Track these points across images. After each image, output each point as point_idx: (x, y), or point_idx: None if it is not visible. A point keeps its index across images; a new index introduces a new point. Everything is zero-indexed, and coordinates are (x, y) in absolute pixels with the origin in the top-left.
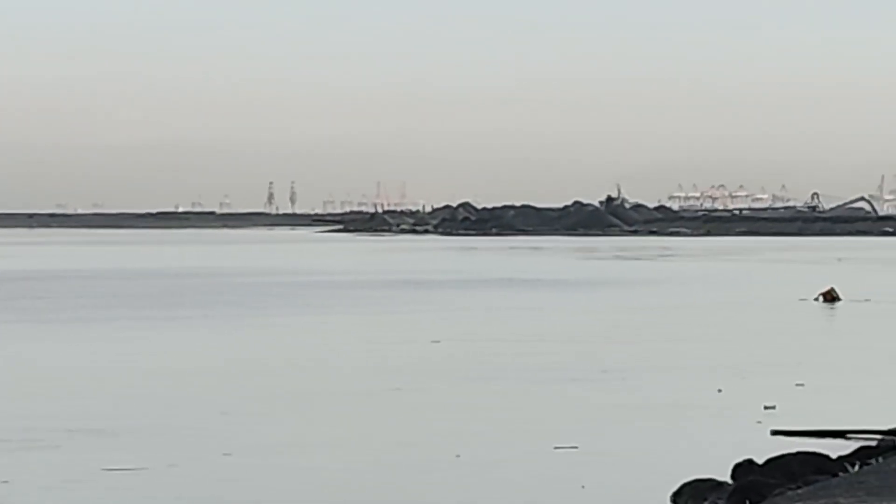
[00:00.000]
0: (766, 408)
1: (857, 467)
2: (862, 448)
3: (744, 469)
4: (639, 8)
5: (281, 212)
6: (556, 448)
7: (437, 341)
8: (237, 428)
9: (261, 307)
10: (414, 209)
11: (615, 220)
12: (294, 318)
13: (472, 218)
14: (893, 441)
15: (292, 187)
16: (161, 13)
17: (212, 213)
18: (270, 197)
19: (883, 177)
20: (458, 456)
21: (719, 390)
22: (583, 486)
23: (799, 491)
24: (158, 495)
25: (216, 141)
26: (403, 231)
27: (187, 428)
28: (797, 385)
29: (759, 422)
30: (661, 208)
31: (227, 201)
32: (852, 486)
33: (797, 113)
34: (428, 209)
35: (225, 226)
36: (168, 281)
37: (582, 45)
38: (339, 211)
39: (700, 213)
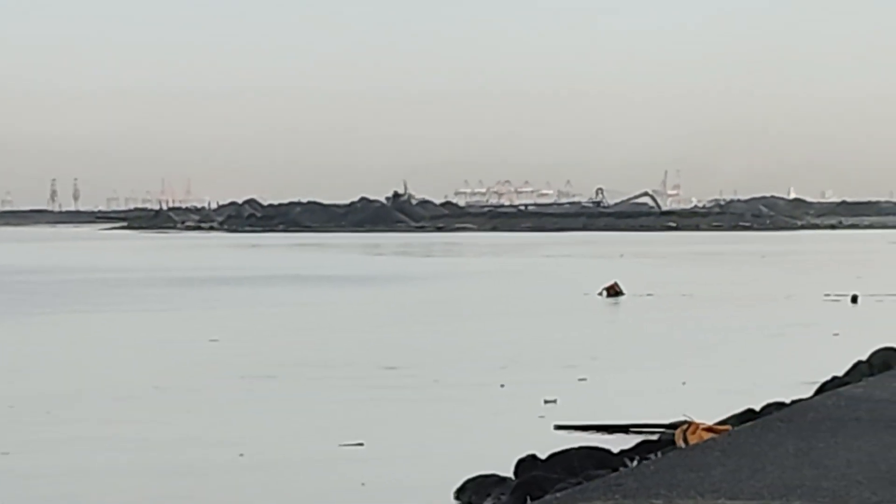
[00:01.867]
0: (546, 402)
1: (636, 462)
2: (643, 442)
3: (526, 464)
4: (417, 7)
5: (64, 209)
6: (341, 446)
7: (216, 340)
8: (11, 428)
9: (41, 305)
10: (199, 206)
11: (402, 217)
12: (73, 315)
13: (259, 215)
14: (673, 435)
15: (75, 184)
16: None
17: None
18: (53, 194)
19: (666, 172)
20: (241, 455)
21: (502, 385)
22: (363, 484)
23: (558, 495)
24: None
25: None
26: (189, 228)
27: None
28: (580, 380)
29: (543, 416)
30: (447, 204)
31: (9, 198)
32: (610, 489)
33: (581, 110)
34: (213, 206)
35: (6, 224)
36: None
37: (366, 42)
38: (123, 208)
39: (486, 209)
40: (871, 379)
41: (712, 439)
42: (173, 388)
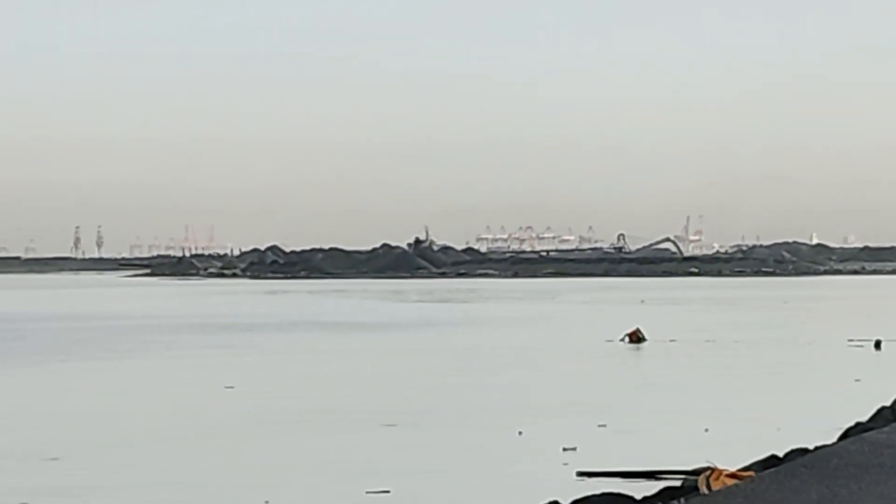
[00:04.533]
0: (565, 449)
1: None
2: (666, 489)
3: None
4: (437, 56)
5: (87, 256)
6: (368, 493)
7: (231, 387)
8: (34, 474)
9: (63, 352)
10: (222, 253)
11: (423, 263)
12: (94, 363)
13: (281, 261)
14: (696, 481)
15: (99, 231)
16: None
17: (17, 259)
18: (77, 241)
19: (688, 218)
20: (266, 502)
21: (520, 433)
22: None
23: None
24: None
25: (21, 184)
26: (211, 275)
27: None
28: (600, 426)
29: (566, 464)
30: (469, 250)
31: (33, 246)
32: None
33: (603, 156)
34: (236, 253)
35: (30, 271)
36: None
37: (386, 90)
38: (146, 255)
39: (508, 255)
40: (895, 424)
41: (735, 485)
42: (191, 436)
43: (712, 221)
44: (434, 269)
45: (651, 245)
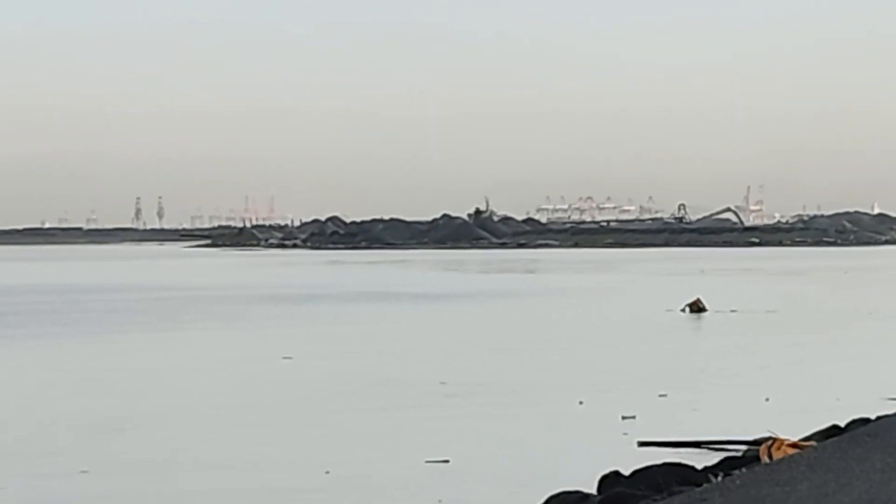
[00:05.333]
0: (624, 418)
1: (720, 477)
2: (727, 458)
3: (610, 481)
4: (502, 26)
5: (148, 227)
6: (427, 462)
7: (289, 357)
8: (95, 445)
9: (124, 323)
10: (283, 223)
11: (483, 233)
12: (153, 333)
13: (341, 232)
14: (757, 451)
15: (160, 202)
16: (33, 26)
17: (78, 229)
18: (138, 212)
19: (749, 188)
20: (327, 472)
21: (580, 402)
22: (439, 501)
23: None
24: None
25: (82, 156)
26: (272, 245)
27: (43, 445)
28: (660, 396)
29: (626, 433)
30: (529, 221)
31: (94, 217)
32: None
33: (663, 125)
34: (297, 223)
35: (92, 242)
36: (33, 297)
37: (447, 59)
38: (207, 226)
39: (568, 226)
40: None
41: (798, 454)
42: (249, 407)
43: (773, 191)
44: (494, 240)
45: (712, 215)
